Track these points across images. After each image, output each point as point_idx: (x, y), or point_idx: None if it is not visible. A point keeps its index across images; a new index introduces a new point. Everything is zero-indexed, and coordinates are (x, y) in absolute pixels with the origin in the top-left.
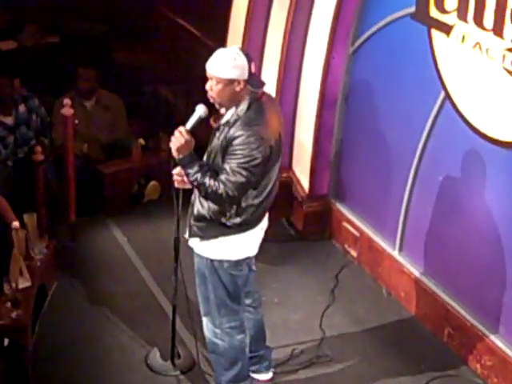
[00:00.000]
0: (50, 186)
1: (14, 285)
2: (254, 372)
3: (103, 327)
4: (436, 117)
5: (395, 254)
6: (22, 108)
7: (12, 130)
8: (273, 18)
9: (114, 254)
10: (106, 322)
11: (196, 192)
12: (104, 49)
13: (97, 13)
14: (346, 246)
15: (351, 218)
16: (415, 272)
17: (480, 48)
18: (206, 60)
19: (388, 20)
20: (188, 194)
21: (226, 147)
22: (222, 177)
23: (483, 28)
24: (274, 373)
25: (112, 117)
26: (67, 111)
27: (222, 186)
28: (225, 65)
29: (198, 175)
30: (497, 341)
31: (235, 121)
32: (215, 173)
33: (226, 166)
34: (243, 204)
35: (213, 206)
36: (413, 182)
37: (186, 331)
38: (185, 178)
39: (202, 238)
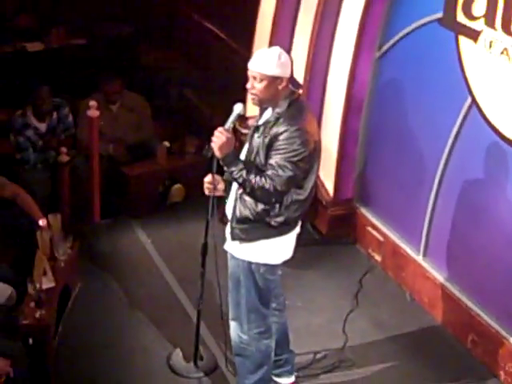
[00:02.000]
0: (81, 183)
1: (37, 285)
2: (276, 376)
3: (126, 329)
4: (462, 123)
5: (419, 259)
6: (54, 115)
7: (42, 137)
8: (299, 22)
9: (138, 256)
10: (129, 323)
11: (235, 195)
12: (131, 51)
13: (123, 15)
14: (370, 250)
15: (375, 223)
16: (439, 277)
17: (507, 54)
18: (232, 63)
19: (415, 25)
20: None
21: (270, 145)
22: (269, 172)
23: (511, 34)
24: (297, 377)
25: (137, 118)
26: (93, 113)
27: (269, 181)
28: (271, 62)
29: (243, 172)
30: None
31: (277, 119)
32: (259, 170)
33: (272, 162)
34: (287, 201)
35: (256, 206)
36: (438, 187)
37: (208, 333)
38: (218, 186)
39: (245, 240)
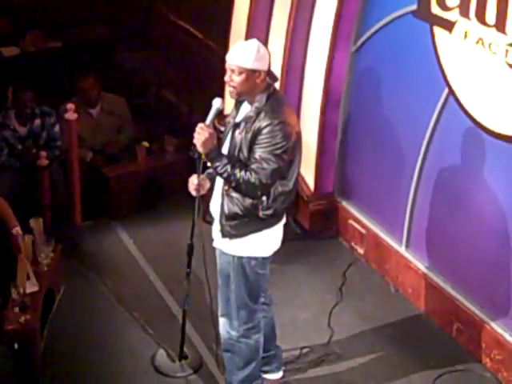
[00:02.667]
0: (56, 188)
1: (21, 290)
2: (265, 372)
3: (112, 330)
4: (440, 113)
5: (402, 250)
6: (37, 122)
7: (22, 141)
8: (275, 17)
9: (121, 257)
10: (115, 324)
11: (221, 192)
12: (107, 52)
13: (99, 17)
14: (352, 243)
15: (357, 216)
16: (422, 268)
17: (483, 44)
18: (209, 62)
19: (390, 18)
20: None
21: (253, 139)
22: (253, 166)
23: (485, 24)
24: (284, 371)
25: (118, 120)
26: (71, 116)
27: (254, 174)
28: (249, 55)
29: (228, 167)
30: (506, 334)
31: (257, 113)
32: (243, 164)
33: (256, 155)
34: (274, 194)
35: (244, 201)
36: (418, 178)
37: (194, 331)
38: (204, 186)
39: (235, 236)
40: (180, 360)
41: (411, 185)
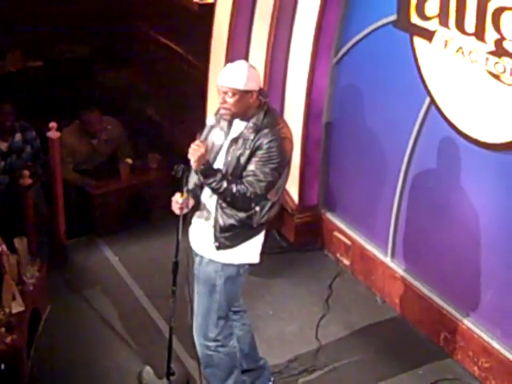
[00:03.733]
0: (38, 209)
1: (7, 310)
2: None
3: (99, 348)
4: (422, 122)
5: (387, 260)
6: (18, 137)
7: (4, 156)
8: (255, 32)
9: (106, 274)
10: (102, 342)
11: (212, 208)
12: (87, 71)
13: (79, 35)
14: (338, 255)
15: (342, 227)
16: (408, 278)
17: (463, 52)
18: (191, 78)
19: (370, 29)
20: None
21: (252, 154)
22: (250, 178)
23: (465, 33)
24: (273, 382)
25: (114, 146)
26: (53, 134)
27: (250, 187)
28: (241, 77)
29: (224, 182)
30: (493, 342)
31: (257, 130)
32: (237, 178)
33: (253, 168)
34: (267, 204)
35: (238, 213)
36: (402, 189)
37: (180, 347)
38: (185, 205)
39: (230, 246)
40: (167, 377)
41: (395, 195)
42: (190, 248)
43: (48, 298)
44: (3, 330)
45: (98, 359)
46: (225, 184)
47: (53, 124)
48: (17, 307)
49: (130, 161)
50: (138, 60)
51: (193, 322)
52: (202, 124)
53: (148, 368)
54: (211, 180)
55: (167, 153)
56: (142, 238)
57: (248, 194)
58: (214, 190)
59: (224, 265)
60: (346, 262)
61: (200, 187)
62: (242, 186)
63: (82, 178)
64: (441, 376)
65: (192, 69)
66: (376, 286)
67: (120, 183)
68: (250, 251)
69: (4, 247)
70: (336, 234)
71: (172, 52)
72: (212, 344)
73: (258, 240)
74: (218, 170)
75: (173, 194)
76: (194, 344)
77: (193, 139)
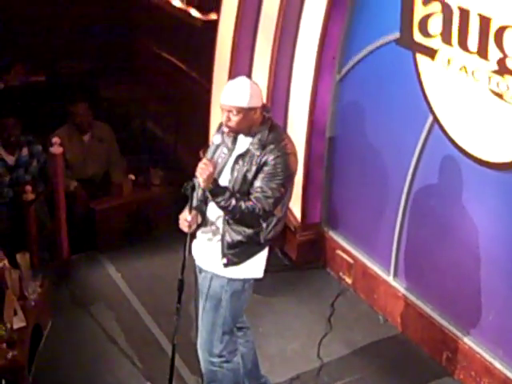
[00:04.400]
0: (42, 225)
1: (8, 325)
2: None
3: (100, 364)
4: (425, 141)
5: (390, 279)
6: (24, 151)
7: (10, 170)
8: (258, 49)
9: (109, 290)
10: (103, 359)
11: (219, 224)
12: (90, 86)
13: (82, 50)
14: (340, 273)
15: (345, 246)
16: (411, 297)
17: (465, 71)
18: (193, 93)
19: (373, 46)
20: None
21: (259, 170)
22: (258, 195)
23: (468, 51)
24: None
25: (107, 147)
26: (56, 150)
27: (258, 204)
28: (244, 94)
29: (232, 200)
30: (495, 362)
31: (263, 146)
32: (245, 195)
33: (261, 184)
34: (274, 220)
35: (246, 229)
36: (404, 207)
37: (182, 364)
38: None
39: (238, 263)
40: None
41: (398, 214)
42: (194, 263)
43: (50, 314)
44: (4, 345)
45: (99, 375)
46: (233, 202)
47: (56, 139)
48: (18, 323)
49: (132, 177)
50: (140, 76)
51: (197, 338)
52: (205, 140)
53: None
54: (220, 199)
55: (170, 169)
56: (145, 254)
57: (257, 211)
58: (223, 208)
59: (230, 280)
60: (349, 280)
61: (204, 202)
62: (251, 203)
63: (68, 179)
64: None
65: (195, 85)
66: (378, 304)
67: (122, 199)
68: (255, 266)
69: (6, 262)
70: (338, 252)
71: (175, 68)
72: (216, 360)
73: (263, 255)
74: (226, 188)
75: (176, 209)
76: (196, 360)
77: (196, 156)
